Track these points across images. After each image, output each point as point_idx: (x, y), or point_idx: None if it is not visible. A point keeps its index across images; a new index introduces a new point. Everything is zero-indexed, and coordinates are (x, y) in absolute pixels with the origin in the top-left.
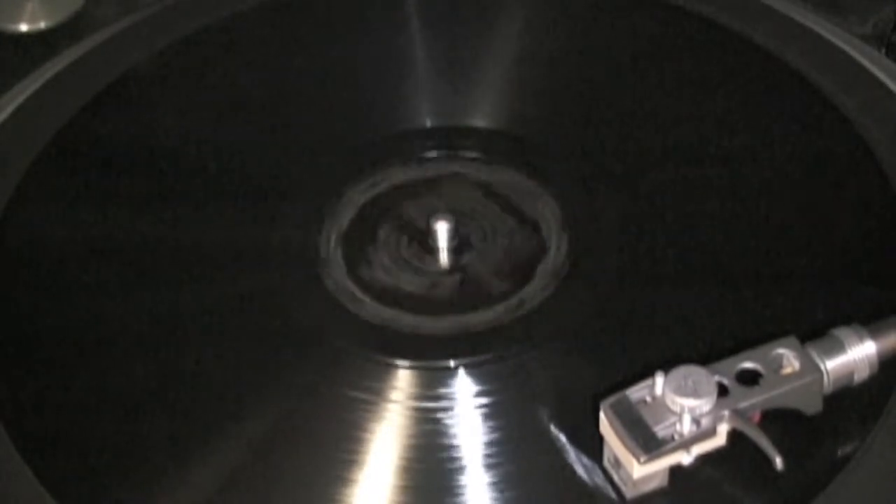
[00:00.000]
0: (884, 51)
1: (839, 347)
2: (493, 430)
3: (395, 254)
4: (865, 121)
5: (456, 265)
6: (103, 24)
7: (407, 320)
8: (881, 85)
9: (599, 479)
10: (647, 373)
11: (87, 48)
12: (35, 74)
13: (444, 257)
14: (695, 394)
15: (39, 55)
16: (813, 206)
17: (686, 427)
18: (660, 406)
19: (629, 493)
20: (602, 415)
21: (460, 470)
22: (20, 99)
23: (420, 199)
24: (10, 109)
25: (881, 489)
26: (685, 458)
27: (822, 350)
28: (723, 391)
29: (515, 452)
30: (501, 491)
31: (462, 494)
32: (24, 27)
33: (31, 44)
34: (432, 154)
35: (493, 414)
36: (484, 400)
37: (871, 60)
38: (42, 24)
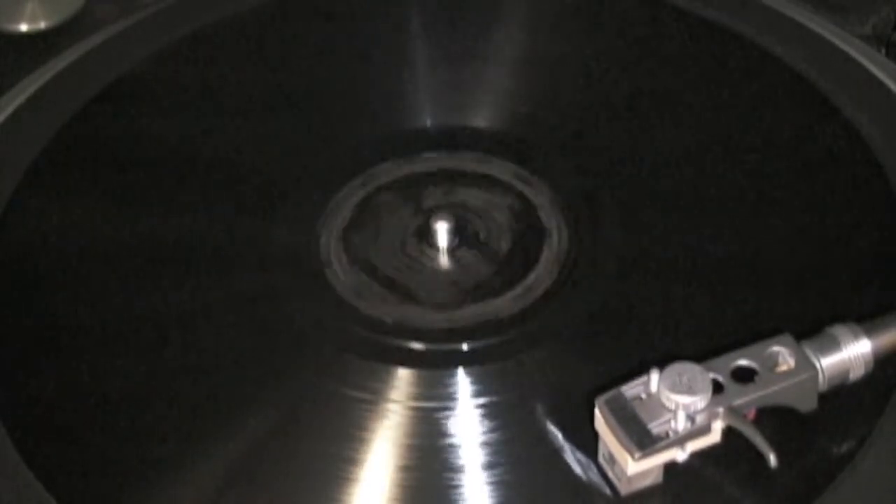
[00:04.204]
0: (884, 51)
1: (835, 345)
2: (492, 429)
3: (395, 253)
4: (865, 121)
5: (456, 265)
6: (103, 24)
7: (407, 320)
8: (881, 85)
9: (594, 476)
10: (642, 369)
11: (87, 48)
12: (35, 74)
13: (443, 257)
14: (689, 391)
15: (39, 55)
16: (811, 205)
17: (681, 424)
18: (655, 403)
19: (624, 489)
20: (597, 411)
21: (460, 470)
22: (20, 99)
23: (420, 198)
24: (10, 109)
25: (881, 490)
26: (680, 455)
27: (818, 348)
28: (718, 388)
29: (515, 452)
30: (500, 490)
31: (462, 494)
32: (24, 27)
33: (31, 44)
34: (432, 154)
35: (493, 414)
36: (484, 400)
37: (871, 60)
38: (42, 24)
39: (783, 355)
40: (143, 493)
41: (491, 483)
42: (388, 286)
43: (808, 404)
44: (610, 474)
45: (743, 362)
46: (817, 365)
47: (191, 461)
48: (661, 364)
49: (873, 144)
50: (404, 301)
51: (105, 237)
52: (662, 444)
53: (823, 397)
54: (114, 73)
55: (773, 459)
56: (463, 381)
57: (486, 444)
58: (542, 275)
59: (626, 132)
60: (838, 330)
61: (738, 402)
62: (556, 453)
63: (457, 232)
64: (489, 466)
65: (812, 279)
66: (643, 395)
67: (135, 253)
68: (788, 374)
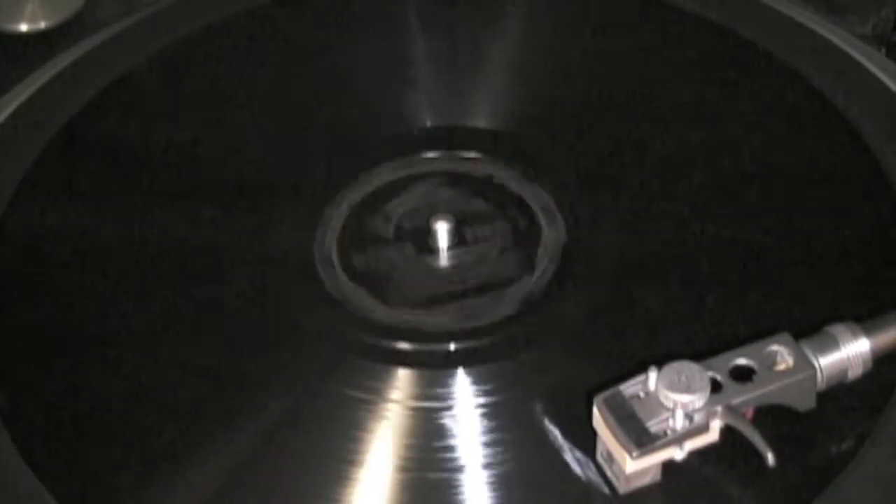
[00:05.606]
0: (884, 51)
1: (833, 344)
2: (492, 429)
3: (395, 254)
4: (865, 120)
5: (455, 265)
6: (103, 24)
7: (407, 320)
8: (881, 85)
9: (593, 475)
10: (641, 368)
11: (87, 48)
12: (35, 74)
13: (443, 257)
14: (688, 389)
15: (39, 55)
16: (811, 205)
17: (679, 422)
18: (653, 401)
19: (622, 488)
20: (595, 410)
21: (460, 470)
22: (20, 99)
23: (420, 198)
24: (10, 109)
25: (881, 489)
26: (678, 454)
27: (816, 347)
28: (716, 387)
29: (514, 452)
30: (500, 490)
31: (461, 494)
32: (24, 27)
33: (31, 44)
34: (432, 154)
35: (493, 414)
36: (483, 400)
37: (871, 60)
38: (42, 24)
39: (782, 354)
40: (143, 493)
41: (490, 483)
42: (388, 286)
43: (806, 403)
44: (608, 473)
45: (741, 361)
46: (816, 364)
47: (191, 461)
48: (660, 363)
49: (873, 144)
50: (404, 301)
51: (105, 237)
52: (660, 442)
53: (822, 396)
54: (114, 73)
55: (771, 458)
56: (462, 381)
57: (485, 443)
58: (541, 274)
59: (625, 132)
60: (837, 329)
61: (736, 400)
62: (555, 452)
63: (456, 232)
64: (489, 466)
65: (812, 279)
66: (641, 394)
67: (135, 253)
68: (787, 373)
